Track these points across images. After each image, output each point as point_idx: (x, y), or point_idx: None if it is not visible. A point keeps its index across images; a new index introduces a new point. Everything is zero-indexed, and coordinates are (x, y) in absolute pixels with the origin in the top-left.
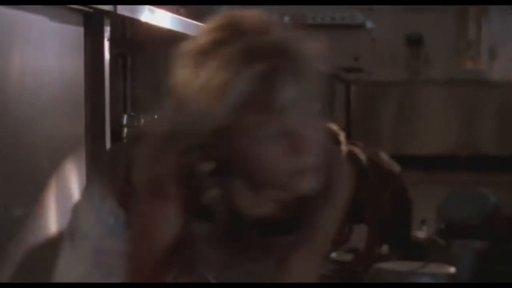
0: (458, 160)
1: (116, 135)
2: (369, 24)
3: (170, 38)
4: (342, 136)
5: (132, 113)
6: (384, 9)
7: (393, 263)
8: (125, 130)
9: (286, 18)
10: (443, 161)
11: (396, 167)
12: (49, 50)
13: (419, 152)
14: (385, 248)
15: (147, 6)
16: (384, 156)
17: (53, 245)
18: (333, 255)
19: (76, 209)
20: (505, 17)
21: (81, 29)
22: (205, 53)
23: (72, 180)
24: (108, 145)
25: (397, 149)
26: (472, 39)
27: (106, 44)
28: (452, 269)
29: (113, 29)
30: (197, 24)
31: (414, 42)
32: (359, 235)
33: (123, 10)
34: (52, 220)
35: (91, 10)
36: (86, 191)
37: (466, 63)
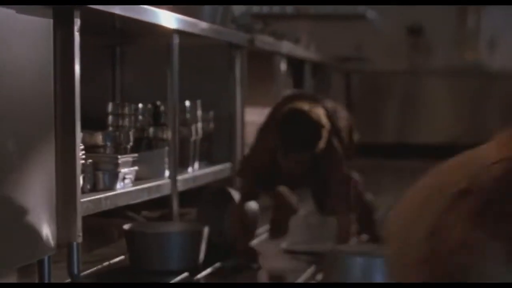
0: (458, 149)
1: (102, 122)
2: (370, 15)
3: (158, 30)
4: (325, 131)
5: (117, 102)
6: None
7: (353, 245)
8: (110, 117)
9: (289, 9)
10: (443, 150)
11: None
12: (18, 42)
13: (420, 141)
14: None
15: None
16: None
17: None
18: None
19: None
20: (505, 8)
21: (50, 21)
22: None
23: (39, 168)
24: (78, 134)
25: (397, 138)
26: (471, 30)
27: (77, 36)
28: None
29: (102, 21)
30: (177, 17)
31: (415, 32)
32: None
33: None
34: (19, 204)
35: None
36: None
37: (465, 53)
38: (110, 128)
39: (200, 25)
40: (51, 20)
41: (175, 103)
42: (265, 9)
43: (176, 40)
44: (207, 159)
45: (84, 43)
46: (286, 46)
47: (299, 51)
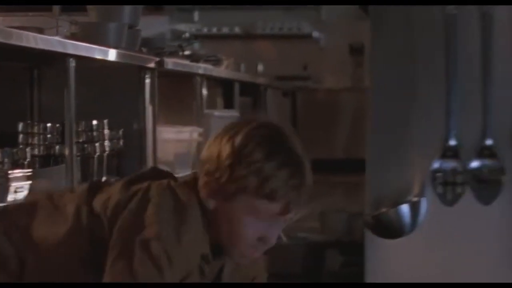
0: None
1: (12, 141)
2: (315, 34)
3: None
4: None
5: (29, 121)
6: (330, 18)
7: None
8: (21, 136)
9: (237, 29)
10: None
11: None
12: None
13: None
14: None
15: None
16: None
17: None
18: None
19: None
20: None
21: None
22: None
23: None
24: None
25: (344, 154)
26: None
27: None
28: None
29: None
30: (73, 43)
31: (357, 50)
32: None
33: None
34: None
35: None
36: None
37: None
38: (20, 146)
39: (94, 50)
40: None
41: (72, 122)
42: (214, 30)
43: (72, 64)
44: (118, 174)
45: (2, 66)
46: (203, 68)
47: (221, 72)
